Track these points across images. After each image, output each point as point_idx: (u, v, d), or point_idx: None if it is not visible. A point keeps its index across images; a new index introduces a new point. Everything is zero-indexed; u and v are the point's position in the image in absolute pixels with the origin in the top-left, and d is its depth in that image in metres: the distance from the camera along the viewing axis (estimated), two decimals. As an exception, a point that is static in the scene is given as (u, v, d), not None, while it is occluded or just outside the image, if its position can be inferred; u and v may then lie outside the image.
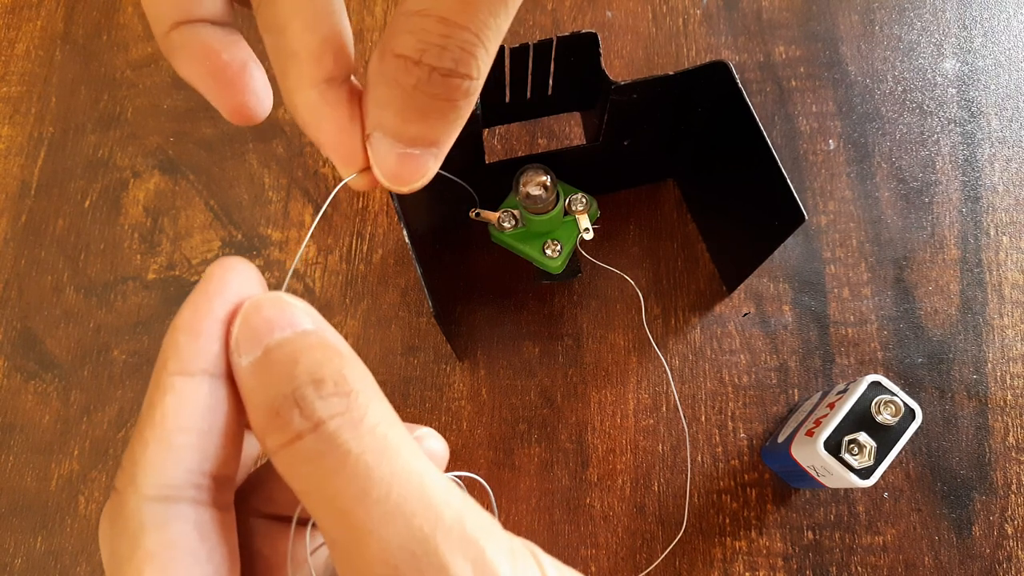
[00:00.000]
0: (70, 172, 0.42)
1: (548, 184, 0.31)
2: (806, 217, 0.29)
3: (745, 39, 0.43)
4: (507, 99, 0.33)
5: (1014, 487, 0.34)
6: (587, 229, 0.33)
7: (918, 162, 0.40)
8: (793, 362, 0.37)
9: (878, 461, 0.28)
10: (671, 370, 0.37)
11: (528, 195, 0.31)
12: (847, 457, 0.28)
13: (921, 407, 0.29)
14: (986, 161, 0.40)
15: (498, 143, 0.41)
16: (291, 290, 0.39)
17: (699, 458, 0.36)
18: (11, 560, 0.35)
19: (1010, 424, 0.35)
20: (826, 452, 0.28)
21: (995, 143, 0.40)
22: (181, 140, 0.43)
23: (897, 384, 0.29)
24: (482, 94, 0.31)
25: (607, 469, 0.35)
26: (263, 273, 0.40)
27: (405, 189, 0.19)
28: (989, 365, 0.36)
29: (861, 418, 0.29)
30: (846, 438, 0.28)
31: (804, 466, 0.30)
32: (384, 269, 0.39)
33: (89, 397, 0.38)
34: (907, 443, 0.29)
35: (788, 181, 0.29)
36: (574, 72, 0.32)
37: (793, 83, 0.42)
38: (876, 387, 0.29)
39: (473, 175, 0.35)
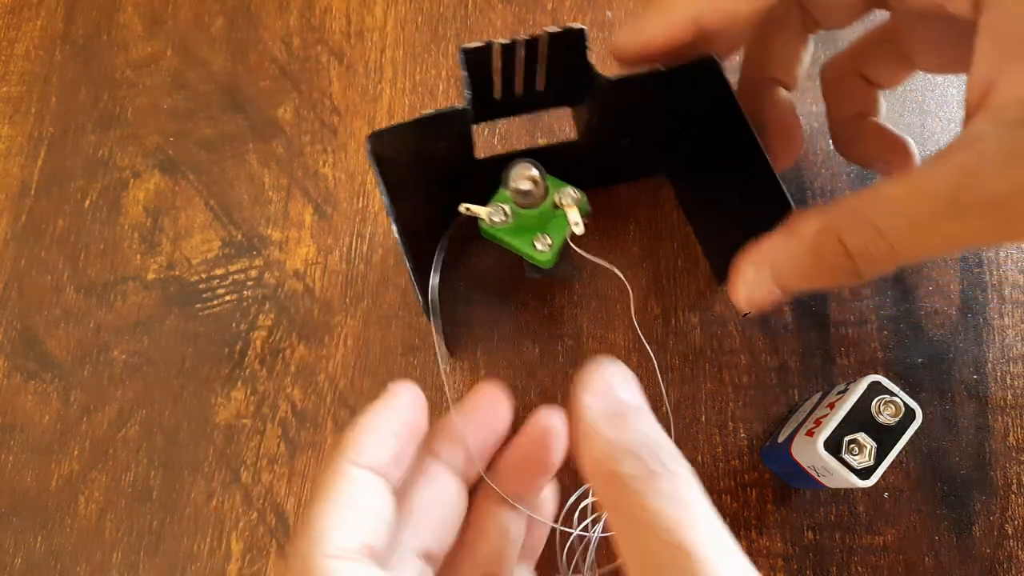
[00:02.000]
0: (70, 172, 0.42)
1: (537, 178, 0.31)
2: (793, 207, 0.29)
3: (745, 39, 0.43)
4: (497, 95, 0.33)
5: (1014, 487, 0.34)
6: (577, 223, 0.32)
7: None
8: (793, 362, 0.37)
9: (878, 461, 0.28)
10: (671, 370, 0.37)
11: (518, 190, 0.31)
12: (847, 457, 0.28)
13: (921, 407, 0.29)
14: (986, 161, 0.40)
15: (498, 143, 0.41)
16: (291, 290, 0.39)
17: (699, 458, 0.36)
18: (11, 560, 0.35)
19: (1010, 424, 0.35)
20: (826, 452, 0.28)
21: (995, 143, 0.40)
22: (181, 140, 0.43)
23: (897, 384, 0.29)
24: (472, 90, 0.31)
25: (607, 469, 0.35)
26: (263, 273, 0.40)
27: (746, 310, 0.26)
28: (989, 365, 0.36)
29: (861, 418, 0.29)
30: (846, 438, 0.28)
31: (804, 466, 0.30)
32: (384, 269, 0.39)
33: (89, 397, 0.38)
34: (907, 443, 0.29)
35: (776, 174, 0.29)
36: (564, 67, 0.33)
37: (793, 83, 0.42)
38: (876, 387, 0.29)
39: (463, 170, 0.35)
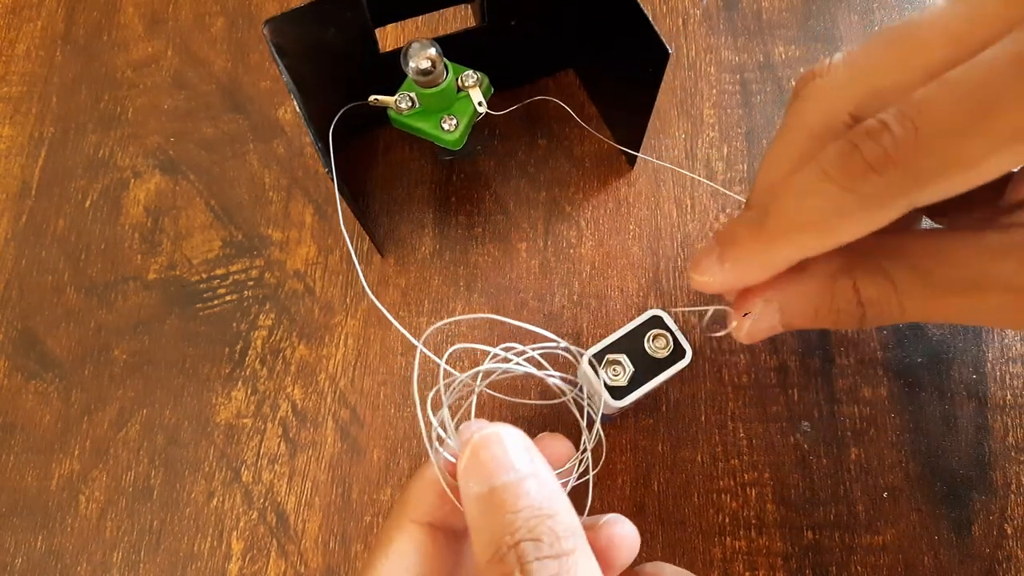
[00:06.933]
0: (70, 172, 0.42)
1: (435, 56, 0.32)
2: (670, 51, 0.29)
3: (745, 39, 0.43)
4: None
5: (1014, 487, 0.34)
6: (480, 103, 0.34)
7: (918, 162, 0.40)
8: (793, 362, 0.37)
9: (633, 387, 0.28)
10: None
11: (417, 68, 0.32)
12: (604, 374, 0.29)
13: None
14: (986, 161, 0.40)
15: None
16: (292, 290, 0.39)
17: (699, 458, 0.36)
18: (11, 560, 0.35)
19: (1010, 424, 0.35)
20: (588, 365, 0.29)
21: (995, 143, 0.40)
22: (181, 140, 0.43)
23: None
24: None
25: (607, 469, 0.35)
26: (264, 273, 0.40)
27: (746, 342, 0.25)
28: (989, 365, 0.36)
29: (633, 345, 0.29)
30: (609, 356, 0.29)
31: (587, 388, 0.31)
32: (384, 269, 0.39)
33: (90, 397, 0.38)
34: (671, 378, 0.29)
35: (649, 19, 0.30)
36: None
37: (793, 83, 0.42)
38: (655, 321, 0.29)
39: (371, 69, 0.36)
